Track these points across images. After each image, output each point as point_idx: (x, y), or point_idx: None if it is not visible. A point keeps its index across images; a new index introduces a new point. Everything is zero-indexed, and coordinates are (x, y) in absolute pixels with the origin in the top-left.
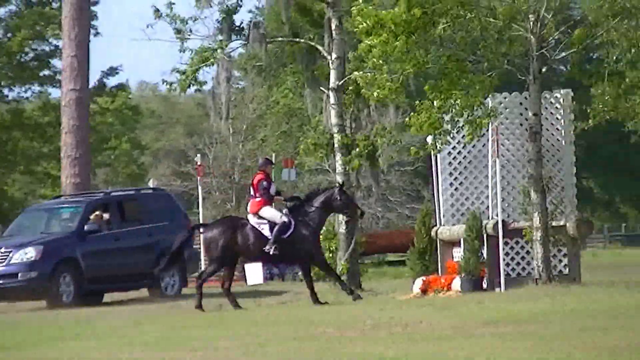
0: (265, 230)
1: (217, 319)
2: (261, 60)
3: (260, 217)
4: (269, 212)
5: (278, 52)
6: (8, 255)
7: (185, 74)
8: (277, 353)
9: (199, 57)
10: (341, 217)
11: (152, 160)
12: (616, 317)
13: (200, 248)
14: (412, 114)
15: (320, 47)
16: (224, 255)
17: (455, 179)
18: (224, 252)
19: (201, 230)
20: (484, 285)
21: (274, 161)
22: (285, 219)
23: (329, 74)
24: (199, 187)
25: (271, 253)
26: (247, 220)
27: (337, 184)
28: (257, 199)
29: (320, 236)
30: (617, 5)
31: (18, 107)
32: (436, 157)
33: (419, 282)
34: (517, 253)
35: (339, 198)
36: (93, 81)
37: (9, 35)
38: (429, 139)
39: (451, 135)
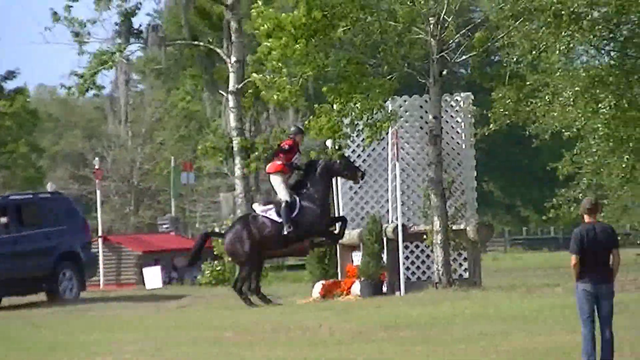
0: (274, 215)
1: (117, 324)
2: (160, 64)
3: (266, 204)
4: (277, 182)
5: (177, 55)
6: None
7: (83, 78)
8: (176, 358)
9: (98, 60)
10: None
11: (51, 164)
12: (516, 321)
13: (98, 253)
14: (311, 117)
15: (219, 50)
16: (252, 254)
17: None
18: (251, 251)
19: (220, 240)
20: (384, 289)
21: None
22: (287, 198)
23: (228, 77)
24: (98, 191)
25: (286, 233)
26: (255, 213)
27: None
28: (278, 163)
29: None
30: (518, 6)
31: None
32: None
33: (318, 286)
34: (417, 257)
35: (338, 162)
36: None
37: None
38: (329, 142)
39: (351, 139)
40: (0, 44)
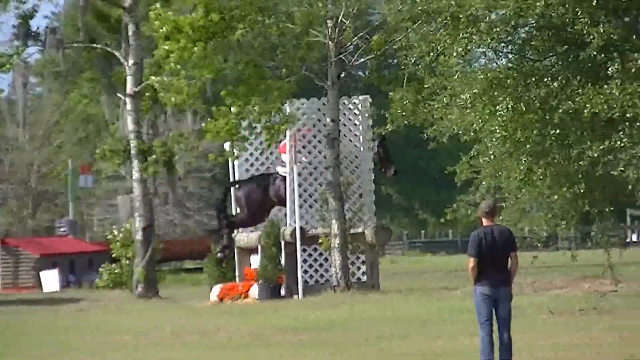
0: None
1: (15, 327)
2: (58, 66)
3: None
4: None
5: (75, 58)
6: None
7: None
8: None
9: None
10: (137, 224)
11: None
12: (414, 324)
13: None
14: (209, 120)
15: (117, 53)
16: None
17: None
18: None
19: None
20: (282, 293)
21: None
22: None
23: (126, 79)
24: None
25: None
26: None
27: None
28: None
29: None
30: (416, 9)
31: None
32: (233, 163)
33: (216, 290)
34: (315, 260)
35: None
36: None
37: None
38: (227, 145)
39: (249, 142)
40: None
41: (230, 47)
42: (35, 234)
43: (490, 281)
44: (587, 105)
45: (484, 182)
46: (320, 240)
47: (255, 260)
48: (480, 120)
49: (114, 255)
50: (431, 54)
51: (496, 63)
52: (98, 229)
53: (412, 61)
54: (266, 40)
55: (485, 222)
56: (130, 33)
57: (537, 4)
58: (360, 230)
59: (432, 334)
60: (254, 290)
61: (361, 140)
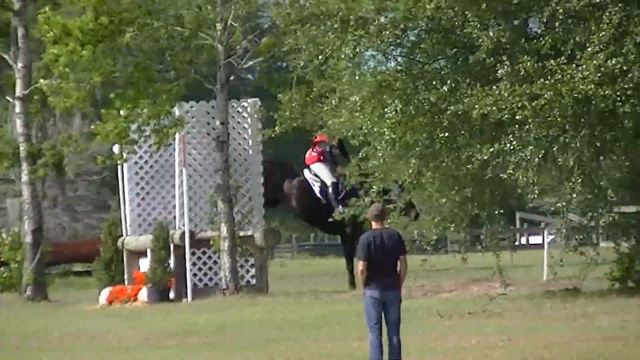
0: (316, 188)
1: None
2: None
3: (314, 174)
4: (319, 169)
5: None
6: None
7: None
8: None
9: None
10: (27, 226)
11: None
12: (303, 327)
13: None
14: (98, 123)
15: (5, 56)
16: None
17: (142, 188)
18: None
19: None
20: (171, 296)
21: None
22: (333, 179)
23: (15, 83)
24: None
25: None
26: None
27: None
28: (314, 154)
29: None
30: (304, 11)
31: None
32: (122, 166)
33: (105, 293)
34: (205, 263)
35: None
36: None
37: None
38: (116, 148)
39: (138, 145)
40: None
41: (119, 50)
42: None
43: (380, 284)
44: (476, 106)
45: (374, 186)
46: (210, 243)
47: (145, 264)
48: (369, 123)
49: (2, 258)
50: (320, 56)
51: (385, 66)
52: None
53: (301, 64)
54: (155, 43)
55: (374, 225)
56: (19, 36)
57: (427, 6)
58: (249, 233)
59: (322, 337)
60: (143, 294)
61: (250, 143)
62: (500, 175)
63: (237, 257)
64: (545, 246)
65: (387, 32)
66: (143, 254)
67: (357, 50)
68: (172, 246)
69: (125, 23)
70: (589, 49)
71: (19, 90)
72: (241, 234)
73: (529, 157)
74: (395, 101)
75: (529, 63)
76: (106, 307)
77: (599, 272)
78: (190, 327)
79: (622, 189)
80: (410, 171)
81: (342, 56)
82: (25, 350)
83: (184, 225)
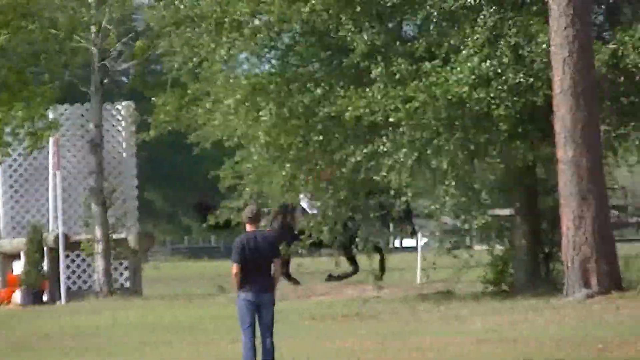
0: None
1: None
2: None
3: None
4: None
5: None
6: None
7: None
8: None
9: None
10: None
11: None
12: (177, 330)
13: None
14: None
15: None
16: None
17: (16, 191)
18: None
19: None
20: (45, 299)
21: None
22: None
23: None
24: None
25: None
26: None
27: None
28: None
29: None
30: (179, 14)
31: None
32: None
33: None
34: (79, 266)
35: None
36: None
37: None
38: None
39: (12, 147)
40: None
41: None
42: None
43: (254, 287)
44: (349, 108)
45: (247, 188)
46: (82, 246)
47: (18, 266)
48: (243, 126)
49: None
50: (194, 59)
51: (259, 69)
52: None
53: (176, 66)
54: (30, 45)
55: (249, 227)
56: None
57: (302, 10)
58: (123, 236)
59: (196, 340)
60: (17, 296)
61: (124, 146)
62: (374, 177)
63: (111, 260)
64: (419, 249)
65: (262, 35)
66: (17, 256)
67: (232, 52)
68: (46, 249)
69: None
70: (464, 52)
71: None
72: (115, 236)
73: (402, 160)
74: (270, 104)
75: (402, 65)
76: None
77: (473, 275)
78: (65, 329)
79: (495, 191)
80: (284, 174)
81: (217, 58)
82: None
83: (58, 227)
